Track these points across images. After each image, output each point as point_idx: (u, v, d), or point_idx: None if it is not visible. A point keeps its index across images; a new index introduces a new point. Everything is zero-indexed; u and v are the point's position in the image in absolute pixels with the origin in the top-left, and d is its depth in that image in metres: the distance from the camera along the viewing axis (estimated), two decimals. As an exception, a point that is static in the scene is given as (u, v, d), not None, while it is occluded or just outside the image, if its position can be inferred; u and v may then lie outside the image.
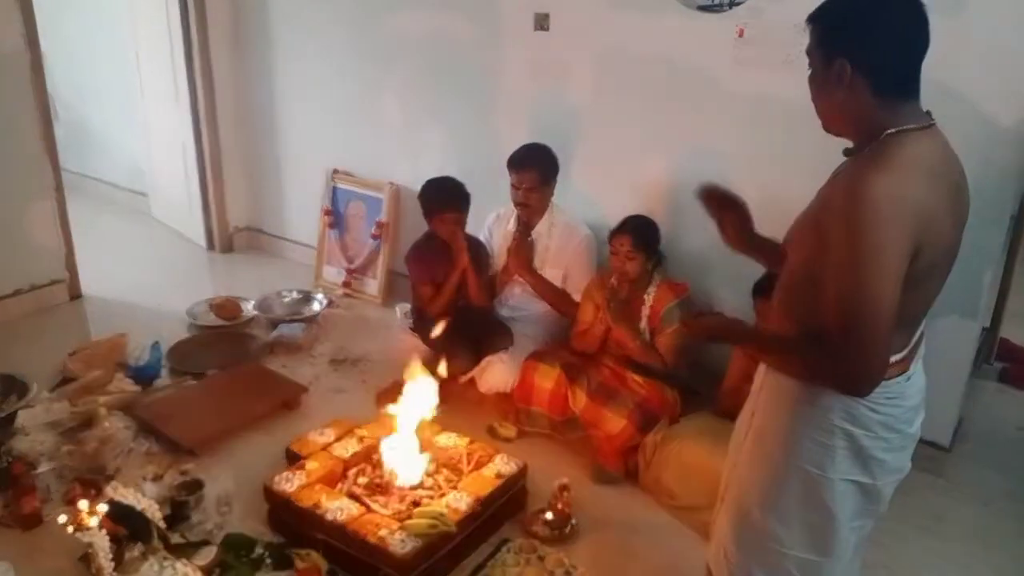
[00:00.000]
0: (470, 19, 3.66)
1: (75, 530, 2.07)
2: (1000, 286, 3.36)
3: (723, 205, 1.92)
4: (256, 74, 4.61)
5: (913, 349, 1.59)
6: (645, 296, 3.00)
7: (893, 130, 1.43)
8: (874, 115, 1.46)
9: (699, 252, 3.24)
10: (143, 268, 4.69)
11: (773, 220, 1.92)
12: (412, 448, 2.64)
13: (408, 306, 3.76)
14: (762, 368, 1.76)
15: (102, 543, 2.11)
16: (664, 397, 2.94)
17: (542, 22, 3.39)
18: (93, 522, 2.08)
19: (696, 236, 3.22)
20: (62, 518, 2.07)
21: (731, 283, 3.17)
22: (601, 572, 2.42)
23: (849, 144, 1.54)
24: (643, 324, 3.00)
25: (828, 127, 1.57)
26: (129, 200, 5.60)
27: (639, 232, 2.95)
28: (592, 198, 3.50)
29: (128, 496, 2.27)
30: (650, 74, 3.22)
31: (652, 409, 2.88)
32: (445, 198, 3.27)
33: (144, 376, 3.34)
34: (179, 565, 2.11)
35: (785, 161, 2.94)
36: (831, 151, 1.60)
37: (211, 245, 4.94)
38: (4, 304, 3.91)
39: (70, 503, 2.27)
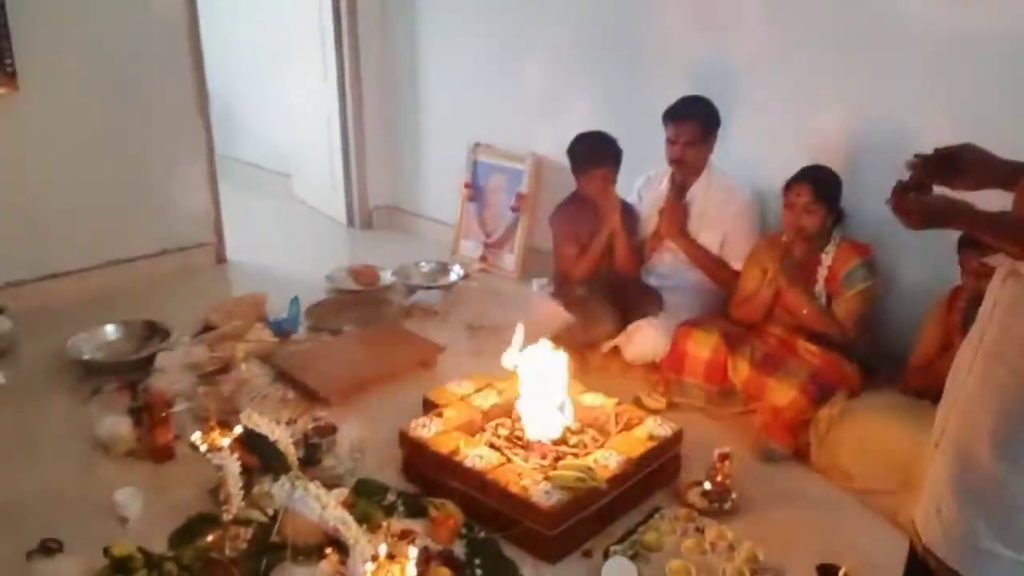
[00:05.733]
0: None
1: (207, 450, 1.92)
2: None
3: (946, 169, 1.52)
4: (401, 49, 4.56)
5: None
6: (823, 256, 2.67)
7: None
8: None
9: (880, 217, 2.79)
10: (285, 241, 4.74)
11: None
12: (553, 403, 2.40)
13: (544, 280, 3.55)
14: (997, 280, 1.42)
15: (233, 467, 1.96)
16: (842, 368, 2.59)
17: (706, -36, 3.13)
18: (225, 443, 1.93)
19: (876, 199, 2.79)
20: (195, 435, 1.93)
21: (917, 251, 2.76)
22: (769, 550, 2.08)
23: None
24: (819, 287, 2.67)
25: None
26: (272, 181, 5.68)
27: (820, 181, 2.63)
28: (754, 161, 3.17)
29: (263, 425, 2.12)
30: (825, 13, 2.89)
31: (828, 381, 2.53)
32: (596, 153, 3.05)
33: (283, 329, 3.27)
34: (311, 486, 1.93)
35: (989, 110, 2.53)
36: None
37: (351, 222, 4.94)
38: (152, 262, 3.96)
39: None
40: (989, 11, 2.52)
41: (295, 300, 3.41)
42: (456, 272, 3.97)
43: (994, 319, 1.41)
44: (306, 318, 3.45)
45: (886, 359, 2.73)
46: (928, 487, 1.53)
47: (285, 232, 4.91)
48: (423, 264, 4.04)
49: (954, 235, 2.36)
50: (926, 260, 2.74)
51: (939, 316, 2.46)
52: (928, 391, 2.21)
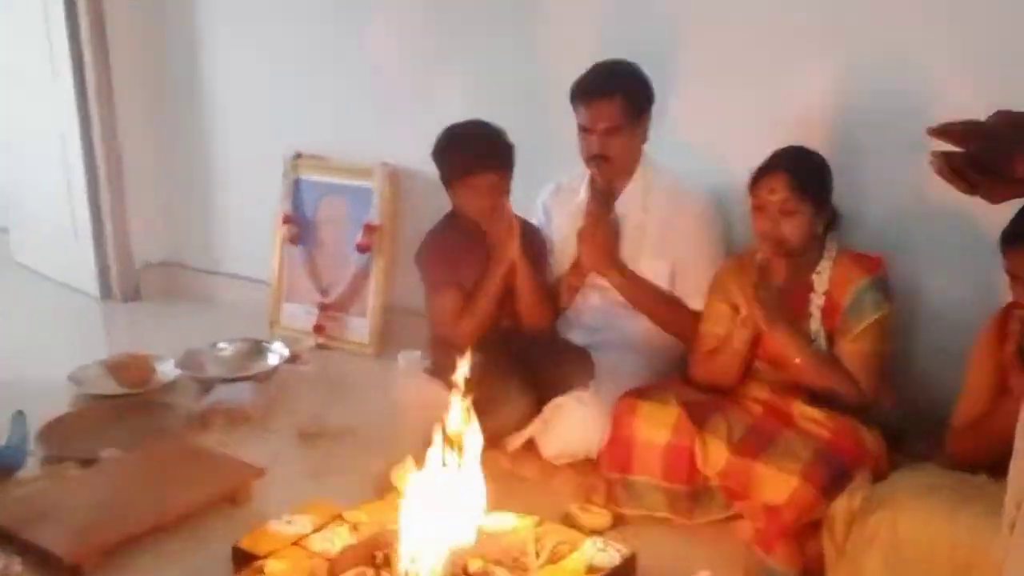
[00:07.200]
0: None
1: None
2: None
3: None
4: (173, 37, 4.62)
5: None
6: (815, 276, 2.79)
7: None
8: None
9: (888, 216, 3.03)
10: (4, 331, 4.61)
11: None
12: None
13: (416, 354, 3.58)
14: None
15: None
16: (859, 439, 2.67)
17: None
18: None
19: (884, 192, 3.01)
20: None
21: (941, 258, 2.98)
22: None
23: None
24: (815, 325, 2.79)
25: None
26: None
27: (801, 170, 2.74)
28: (705, 149, 3.33)
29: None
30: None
31: (841, 459, 2.59)
32: (478, 151, 3.11)
33: (1, 465, 3.16)
34: None
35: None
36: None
37: (107, 293, 4.93)
38: None
39: None
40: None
41: (19, 417, 3.31)
42: (277, 353, 3.97)
43: None
44: (39, 444, 3.35)
45: (917, 419, 2.86)
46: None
47: (4, 317, 4.79)
48: (223, 346, 4.05)
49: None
50: (961, 270, 2.92)
51: (988, 349, 2.57)
52: (982, 458, 2.33)
